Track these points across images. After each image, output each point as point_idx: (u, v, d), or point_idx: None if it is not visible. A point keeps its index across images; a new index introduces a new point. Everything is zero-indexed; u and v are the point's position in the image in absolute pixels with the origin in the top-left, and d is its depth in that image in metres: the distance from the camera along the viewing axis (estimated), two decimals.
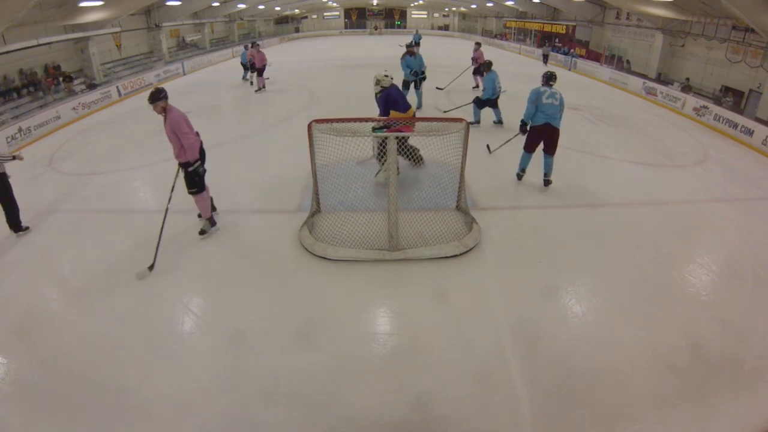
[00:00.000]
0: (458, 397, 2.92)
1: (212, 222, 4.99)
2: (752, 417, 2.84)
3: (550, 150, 5.75)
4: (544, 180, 5.95)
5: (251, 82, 13.33)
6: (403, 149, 4.89)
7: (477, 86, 11.94)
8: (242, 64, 13.96)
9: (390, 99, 5.62)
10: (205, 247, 4.70)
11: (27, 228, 5.14)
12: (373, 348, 3.35)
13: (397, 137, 4.65)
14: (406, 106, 5.68)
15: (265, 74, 12.56)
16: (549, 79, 5.63)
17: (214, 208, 5.13)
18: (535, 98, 5.54)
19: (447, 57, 18.45)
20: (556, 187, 6.01)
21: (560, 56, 18.82)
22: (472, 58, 11.99)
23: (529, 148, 5.88)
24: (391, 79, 5.77)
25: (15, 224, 5.06)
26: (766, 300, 3.92)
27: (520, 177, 6.16)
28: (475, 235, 4.61)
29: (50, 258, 4.63)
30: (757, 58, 11.19)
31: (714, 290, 4.09)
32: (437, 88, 11.89)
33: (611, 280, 4.16)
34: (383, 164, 5.52)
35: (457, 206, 5.09)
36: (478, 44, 12.40)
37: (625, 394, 2.95)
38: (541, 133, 5.65)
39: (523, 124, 5.77)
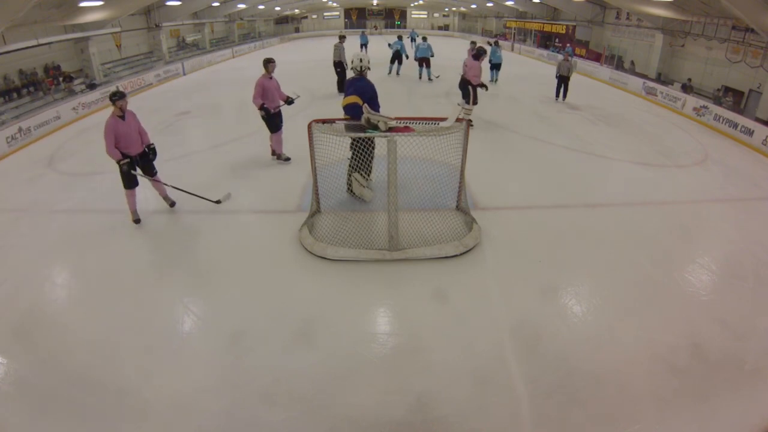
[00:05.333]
0: (458, 398, 2.92)
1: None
2: (752, 417, 2.84)
3: (429, 65, 13.30)
4: (429, 78, 13.36)
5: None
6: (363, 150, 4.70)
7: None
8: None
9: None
10: (205, 247, 4.70)
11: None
12: (373, 348, 3.35)
13: (363, 139, 4.60)
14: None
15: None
16: (425, 39, 13.81)
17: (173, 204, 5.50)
18: (416, 45, 13.68)
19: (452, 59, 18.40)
20: (557, 187, 6.02)
21: (560, 56, 18.65)
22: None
23: (420, 65, 13.38)
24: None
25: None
26: (766, 300, 3.92)
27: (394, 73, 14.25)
28: (475, 235, 4.61)
29: (51, 258, 4.63)
30: (757, 58, 11.18)
31: (714, 290, 4.09)
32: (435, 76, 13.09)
33: (611, 280, 4.16)
34: (354, 175, 5.24)
35: (457, 206, 5.09)
36: (473, 43, 12.08)
37: (625, 394, 2.95)
38: (422, 60, 13.22)
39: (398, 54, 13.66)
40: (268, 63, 6.42)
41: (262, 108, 6.34)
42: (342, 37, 12.32)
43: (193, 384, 3.05)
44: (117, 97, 4.70)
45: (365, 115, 4.40)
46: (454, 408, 2.85)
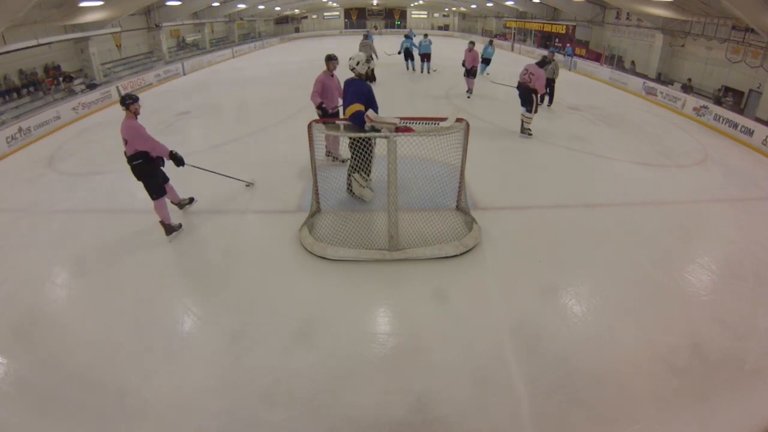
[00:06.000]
0: (458, 398, 2.92)
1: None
2: (752, 417, 2.84)
3: (429, 59, 14.54)
4: (429, 71, 14.74)
5: None
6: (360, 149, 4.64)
7: (469, 90, 11.50)
8: None
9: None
10: (204, 247, 4.70)
11: None
12: (373, 348, 3.35)
13: (359, 138, 4.54)
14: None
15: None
16: (426, 36, 14.44)
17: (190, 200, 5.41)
18: (419, 42, 14.31)
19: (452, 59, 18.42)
20: (557, 187, 6.02)
21: (560, 56, 18.65)
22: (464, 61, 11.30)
23: (423, 60, 14.66)
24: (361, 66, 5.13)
25: None
26: (766, 300, 3.92)
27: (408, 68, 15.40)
28: (475, 235, 4.61)
29: (50, 258, 4.63)
30: (757, 58, 11.19)
31: (714, 290, 4.09)
32: (492, 81, 12.52)
33: (611, 280, 4.16)
34: (354, 175, 5.20)
35: (457, 206, 5.09)
36: (471, 43, 11.63)
37: (625, 394, 2.95)
38: (424, 55, 14.34)
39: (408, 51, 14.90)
40: (330, 60, 5.93)
41: (320, 107, 6.01)
42: (366, 36, 14.37)
43: (193, 384, 3.05)
44: (132, 100, 4.44)
45: (368, 125, 4.34)
46: (454, 408, 2.85)
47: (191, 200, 5.38)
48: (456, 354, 3.27)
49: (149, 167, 4.54)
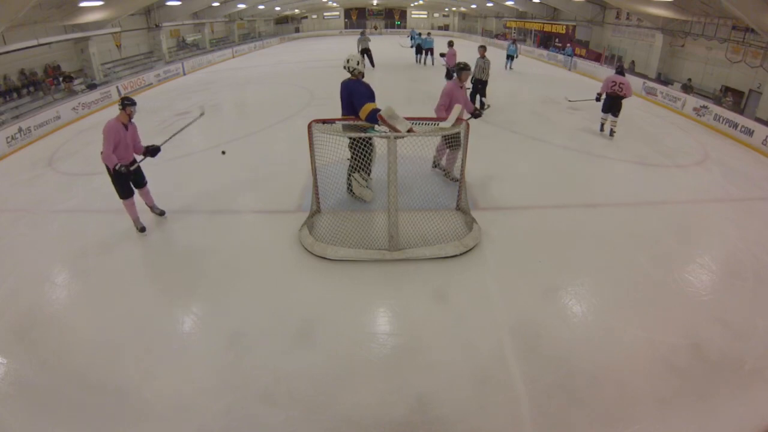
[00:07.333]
0: (458, 397, 2.92)
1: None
2: (752, 417, 2.84)
3: (432, 53, 16.42)
4: (432, 63, 16.55)
5: None
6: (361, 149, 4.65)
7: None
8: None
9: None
10: (204, 247, 4.69)
11: None
12: (373, 348, 3.35)
13: (361, 138, 4.51)
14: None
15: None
16: (429, 34, 17.68)
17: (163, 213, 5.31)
18: (422, 41, 16.80)
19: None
20: (557, 187, 6.02)
21: (560, 56, 18.69)
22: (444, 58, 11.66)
23: (426, 54, 16.93)
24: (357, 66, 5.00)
25: None
26: (766, 300, 3.92)
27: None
28: (475, 235, 4.61)
29: (51, 258, 4.63)
30: (757, 58, 11.19)
31: (714, 290, 4.08)
32: (568, 100, 11.00)
33: (611, 280, 4.16)
34: (354, 175, 5.20)
35: (457, 206, 5.09)
36: (450, 42, 11.85)
37: (625, 394, 2.95)
38: (427, 50, 16.73)
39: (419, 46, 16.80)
40: (462, 70, 5.58)
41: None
42: (363, 32, 16.53)
43: (193, 384, 3.05)
44: (129, 102, 4.63)
45: (381, 126, 4.27)
46: (454, 408, 2.85)
47: (162, 213, 5.27)
48: (456, 354, 3.27)
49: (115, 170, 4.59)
